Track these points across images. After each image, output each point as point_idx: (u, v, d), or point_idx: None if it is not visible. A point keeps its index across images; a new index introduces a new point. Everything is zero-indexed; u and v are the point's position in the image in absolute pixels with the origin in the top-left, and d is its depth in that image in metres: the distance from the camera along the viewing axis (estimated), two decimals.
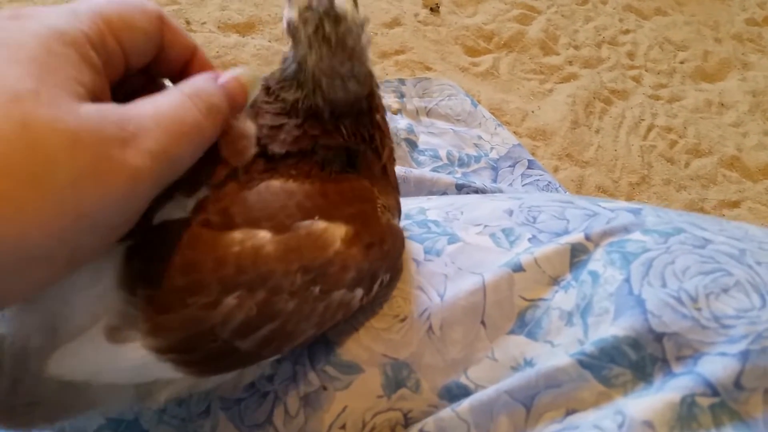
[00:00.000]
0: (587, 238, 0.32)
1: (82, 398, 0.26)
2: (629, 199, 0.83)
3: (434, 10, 1.04)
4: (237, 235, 0.24)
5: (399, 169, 0.71)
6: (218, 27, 0.90)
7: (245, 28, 0.91)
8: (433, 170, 0.77)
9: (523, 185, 0.78)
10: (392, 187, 0.33)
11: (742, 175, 0.90)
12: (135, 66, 0.25)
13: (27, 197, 0.17)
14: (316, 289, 0.25)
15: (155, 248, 0.23)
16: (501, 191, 0.70)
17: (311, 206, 0.26)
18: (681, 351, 0.26)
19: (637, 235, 0.31)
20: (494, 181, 0.79)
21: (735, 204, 0.85)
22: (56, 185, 0.18)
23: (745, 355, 0.25)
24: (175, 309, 0.23)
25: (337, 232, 0.26)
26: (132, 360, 0.23)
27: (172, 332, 0.23)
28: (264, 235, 0.24)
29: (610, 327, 0.27)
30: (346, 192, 0.28)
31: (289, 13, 0.25)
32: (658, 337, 0.26)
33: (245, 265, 0.24)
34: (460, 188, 0.71)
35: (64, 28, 0.20)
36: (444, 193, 0.71)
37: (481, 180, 0.77)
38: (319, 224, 0.26)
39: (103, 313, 0.23)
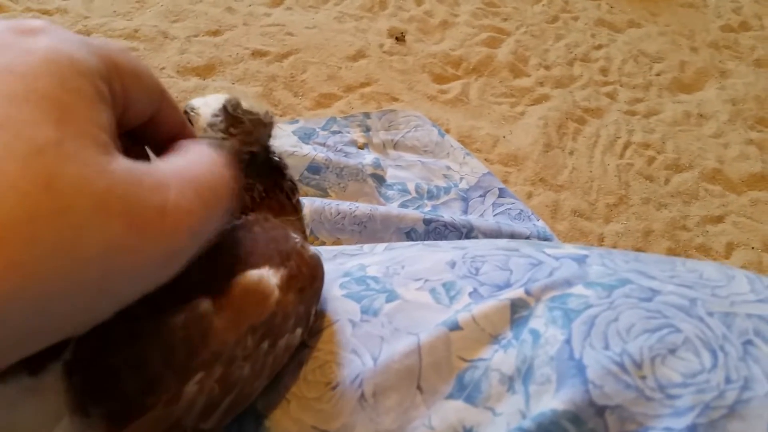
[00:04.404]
0: (527, 293, 0.30)
1: None
2: (607, 221, 0.80)
3: (400, 39, 1.02)
4: (177, 317, 0.22)
5: (365, 207, 0.69)
6: (177, 71, 0.88)
7: (205, 71, 0.89)
8: (402, 205, 0.75)
9: (494, 215, 0.75)
10: (288, 211, 0.32)
11: (725, 188, 0.87)
12: (129, 123, 0.22)
13: (49, 268, 0.15)
14: (265, 345, 0.24)
15: (93, 356, 0.21)
16: (470, 223, 0.68)
17: (238, 255, 0.25)
18: (624, 425, 0.24)
19: (579, 289, 0.29)
20: (464, 212, 0.76)
21: (719, 219, 0.82)
22: (83, 258, 0.15)
23: (692, 430, 0.22)
24: (136, 416, 0.21)
25: (272, 279, 0.25)
26: None
27: None
28: (205, 306, 0.22)
29: (551, 399, 0.25)
30: (266, 231, 0.27)
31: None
32: (600, 410, 0.24)
33: (196, 346, 0.22)
34: (428, 223, 0.69)
35: (76, 56, 0.18)
36: (412, 229, 0.69)
37: (450, 213, 0.74)
38: (252, 275, 0.24)
39: None
